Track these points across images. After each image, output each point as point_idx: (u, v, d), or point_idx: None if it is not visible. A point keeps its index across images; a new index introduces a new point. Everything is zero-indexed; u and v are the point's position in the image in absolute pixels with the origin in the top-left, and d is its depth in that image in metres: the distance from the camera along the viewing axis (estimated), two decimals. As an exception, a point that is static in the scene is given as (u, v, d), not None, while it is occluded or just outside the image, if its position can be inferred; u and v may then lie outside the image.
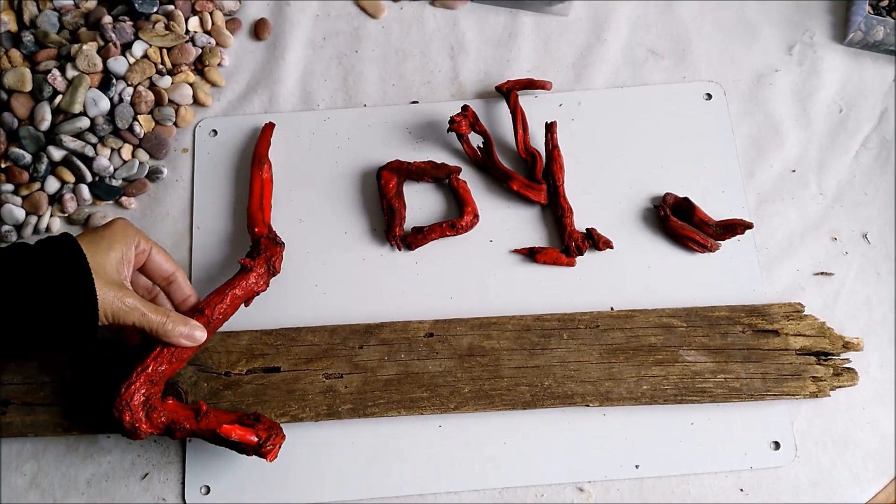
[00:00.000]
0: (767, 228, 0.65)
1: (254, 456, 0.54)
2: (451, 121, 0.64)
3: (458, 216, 0.64)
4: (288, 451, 0.58)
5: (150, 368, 0.54)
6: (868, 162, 0.68)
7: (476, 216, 0.64)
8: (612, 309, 0.62)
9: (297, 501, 0.58)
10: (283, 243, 0.62)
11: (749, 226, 0.62)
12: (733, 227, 0.63)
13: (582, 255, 0.63)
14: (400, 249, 0.63)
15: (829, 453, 0.59)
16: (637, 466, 0.58)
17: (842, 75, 0.71)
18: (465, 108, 0.65)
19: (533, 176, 0.65)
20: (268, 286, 0.60)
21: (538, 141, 0.67)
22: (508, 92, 0.67)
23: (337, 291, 0.63)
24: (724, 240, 0.64)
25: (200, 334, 0.54)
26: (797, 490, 0.58)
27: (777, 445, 0.59)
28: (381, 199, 0.64)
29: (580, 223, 0.64)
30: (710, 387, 0.58)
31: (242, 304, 0.59)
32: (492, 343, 0.60)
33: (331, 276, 0.64)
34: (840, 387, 0.59)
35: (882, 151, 0.68)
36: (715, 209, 0.65)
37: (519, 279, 0.63)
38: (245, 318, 0.61)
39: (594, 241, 0.63)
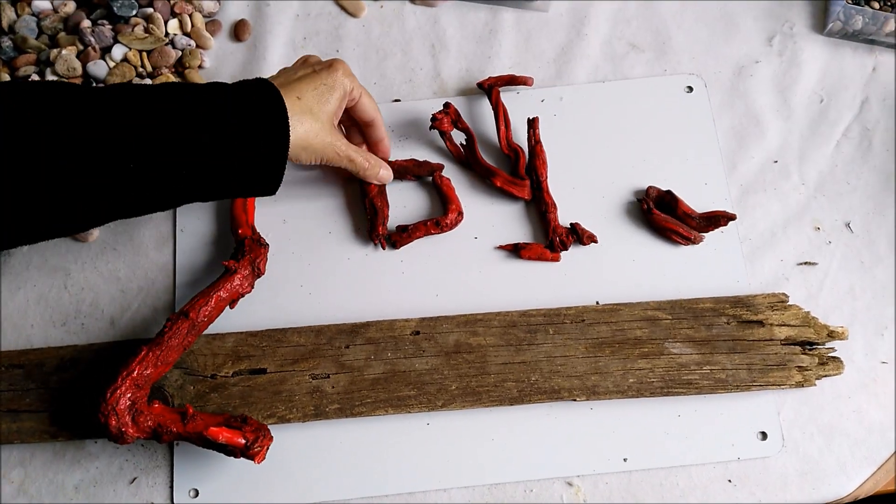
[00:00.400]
0: (750, 219, 0.65)
1: (242, 458, 0.54)
2: (434, 118, 0.64)
3: (442, 214, 0.64)
4: (276, 453, 0.58)
5: (135, 372, 0.54)
6: (849, 151, 0.68)
7: (461, 213, 0.64)
8: (597, 303, 0.62)
9: (285, 502, 0.58)
10: (268, 244, 0.62)
11: (732, 217, 0.62)
12: (716, 219, 0.63)
13: (567, 249, 0.63)
14: (384, 248, 0.63)
15: (816, 442, 0.59)
16: (625, 460, 0.59)
17: (822, 65, 0.71)
18: (446, 105, 0.65)
19: (516, 172, 0.65)
20: (253, 288, 0.60)
21: (521, 137, 0.67)
22: (490, 88, 0.67)
23: (322, 291, 0.63)
24: (707, 232, 0.64)
25: (389, 175, 0.63)
26: (785, 480, 0.58)
27: (764, 436, 0.59)
28: (363, 198, 0.64)
29: (564, 218, 0.64)
30: (697, 378, 0.59)
31: (227, 307, 0.58)
32: (478, 340, 0.60)
33: (316, 277, 0.63)
34: (826, 376, 0.59)
35: (863, 141, 0.68)
36: (698, 201, 0.65)
37: (504, 275, 0.63)
38: (230, 320, 0.61)
39: (578, 235, 0.63)
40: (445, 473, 0.58)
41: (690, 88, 0.69)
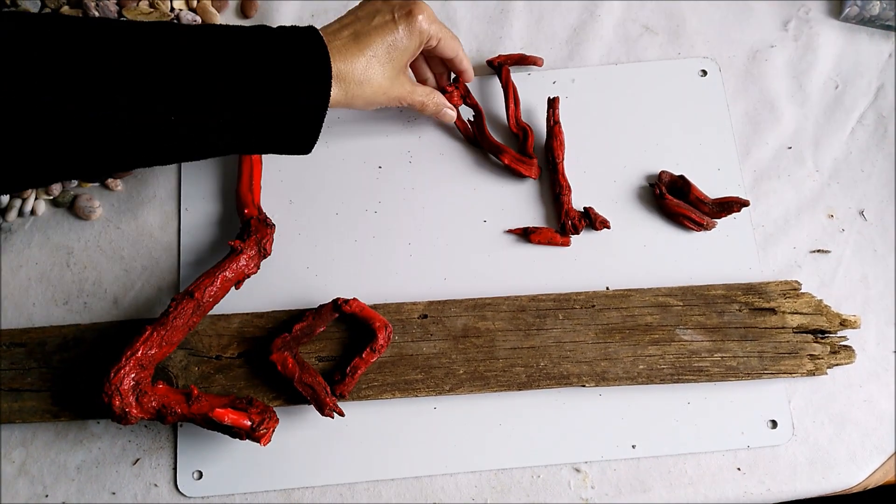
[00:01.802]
0: (763, 206, 0.65)
1: (247, 440, 0.53)
2: (443, 91, 0.63)
3: (369, 338, 0.57)
4: (281, 435, 0.57)
5: (139, 352, 0.53)
6: (864, 138, 0.67)
7: (387, 326, 0.57)
8: (607, 288, 0.61)
9: (291, 485, 0.57)
10: (274, 225, 0.61)
11: (745, 203, 0.61)
12: (729, 205, 0.62)
13: (578, 233, 0.62)
14: (343, 416, 0.56)
15: (827, 431, 0.59)
16: (634, 446, 0.58)
17: (838, 51, 0.70)
18: (455, 80, 0.64)
19: (525, 150, 0.64)
20: (258, 269, 0.59)
21: (531, 118, 0.66)
22: (500, 66, 0.66)
23: (329, 273, 0.62)
24: (720, 218, 0.63)
25: (453, 115, 0.63)
26: (794, 468, 0.58)
27: (774, 424, 0.59)
28: (291, 384, 0.56)
29: (575, 202, 0.63)
30: (707, 366, 0.58)
31: (233, 287, 0.58)
32: (486, 324, 0.59)
33: (322, 258, 0.63)
34: (837, 365, 0.59)
35: (878, 128, 0.67)
36: (711, 187, 0.64)
37: (513, 259, 0.62)
38: (236, 301, 0.60)
39: (591, 220, 0.62)
40: (452, 458, 0.58)
41: (704, 72, 0.68)
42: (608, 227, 0.62)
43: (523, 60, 0.67)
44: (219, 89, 0.47)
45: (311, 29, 0.51)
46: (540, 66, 0.67)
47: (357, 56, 0.53)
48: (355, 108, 0.55)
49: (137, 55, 0.46)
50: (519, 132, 0.64)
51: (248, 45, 0.48)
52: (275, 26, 0.51)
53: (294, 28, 0.51)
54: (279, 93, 0.48)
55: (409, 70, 0.62)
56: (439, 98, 0.61)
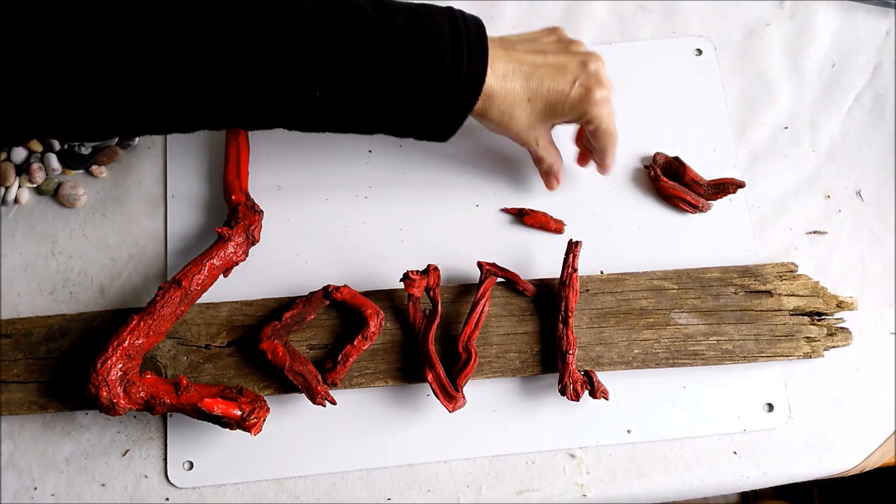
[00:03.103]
0: (759, 187, 0.64)
1: (237, 430, 0.52)
2: (406, 278, 0.55)
3: (361, 325, 0.56)
4: (273, 424, 0.57)
5: (126, 342, 0.52)
6: (861, 117, 0.66)
7: (379, 312, 0.56)
8: (601, 272, 0.60)
9: (283, 475, 0.56)
10: (262, 211, 0.60)
11: (741, 185, 0.61)
12: (725, 187, 0.61)
13: (578, 400, 0.55)
14: (335, 404, 0.55)
15: (823, 414, 0.58)
16: (629, 431, 0.57)
17: (834, 29, 0.69)
18: (425, 271, 0.56)
19: (456, 378, 0.55)
20: (247, 256, 0.58)
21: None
22: (486, 274, 0.57)
23: (319, 260, 0.61)
24: (715, 199, 0.62)
25: (556, 187, 0.61)
26: (791, 452, 0.57)
27: (770, 407, 0.58)
28: (281, 373, 0.55)
29: (569, 182, 0.62)
30: (703, 349, 0.57)
31: (221, 275, 0.57)
32: (479, 309, 0.58)
33: (312, 245, 0.62)
34: (834, 347, 0.58)
35: (875, 107, 0.66)
36: (706, 168, 0.63)
37: (506, 244, 0.62)
38: (224, 289, 0.59)
39: (592, 387, 0.55)
40: (446, 445, 0.57)
41: (699, 51, 0.67)
42: (606, 399, 0.55)
43: (515, 278, 0.58)
44: (372, 75, 0.48)
45: (479, 28, 0.51)
46: (531, 295, 0.59)
47: (518, 92, 0.52)
48: (482, 124, 0.54)
49: (304, 20, 0.46)
50: (463, 353, 0.56)
51: (411, 33, 0.48)
52: (443, 8, 0.50)
53: (464, 21, 0.50)
54: (430, 88, 0.49)
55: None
56: (558, 166, 0.59)
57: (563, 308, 0.56)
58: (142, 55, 0.43)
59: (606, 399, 0.55)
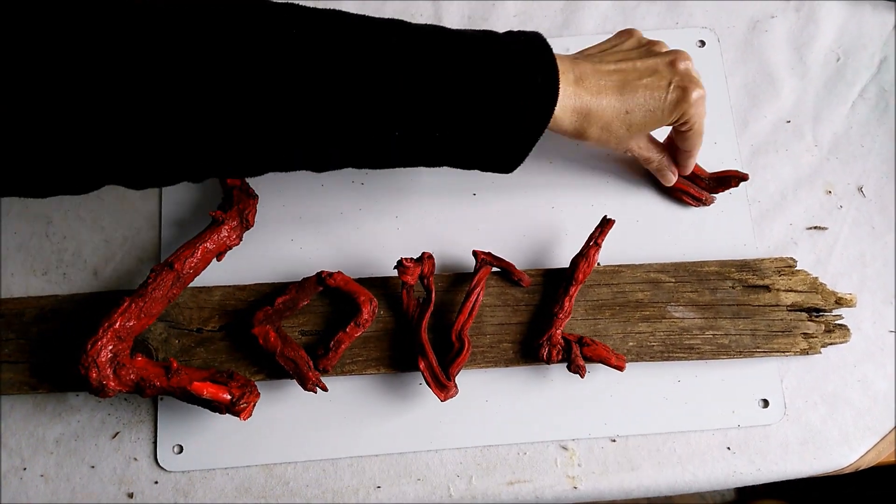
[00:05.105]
0: (760, 181, 0.63)
1: (227, 414, 0.52)
2: (400, 265, 0.55)
3: (353, 312, 0.55)
4: (263, 410, 0.56)
5: (117, 324, 0.52)
6: (865, 112, 0.65)
7: (373, 300, 0.56)
8: (598, 264, 0.60)
9: (273, 461, 0.56)
10: (257, 195, 0.59)
11: (744, 178, 0.60)
12: (727, 180, 0.60)
13: (548, 364, 0.56)
14: (326, 391, 0.55)
15: (819, 411, 0.58)
16: (622, 424, 0.57)
17: (840, 22, 0.68)
18: (420, 259, 0.56)
19: (448, 366, 0.55)
20: (241, 240, 0.57)
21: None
22: (482, 263, 0.57)
23: (313, 246, 0.61)
24: (717, 193, 0.61)
25: (672, 178, 0.59)
26: (786, 448, 0.57)
27: (766, 403, 0.58)
28: (273, 358, 0.54)
29: (566, 173, 0.62)
30: (698, 343, 0.57)
31: (214, 259, 0.56)
32: (474, 299, 0.58)
33: (307, 230, 0.61)
34: (831, 344, 0.58)
35: (880, 102, 0.65)
36: (707, 161, 0.62)
37: (502, 234, 0.61)
38: (217, 273, 0.59)
39: (570, 359, 0.55)
40: (437, 434, 0.57)
41: (703, 42, 0.66)
42: (581, 376, 0.55)
43: (511, 268, 0.58)
44: (451, 108, 0.45)
45: (543, 48, 0.48)
46: (526, 285, 0.58)
47: (615, 106, 0.50)
48: (583, 144, 0.53)
49: (374, 56, 0.44)
50: (457, 342, 0.55)
51: (481, 64, 0.46)
52: (503, 34, 0.48)
53: (527, 44, 0.48)
54: (502, 120, 0.47)
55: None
56: (667, 160, 0.58)
57: (570, 274, 0.56)
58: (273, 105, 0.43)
59: (581, 376, 0.54)
